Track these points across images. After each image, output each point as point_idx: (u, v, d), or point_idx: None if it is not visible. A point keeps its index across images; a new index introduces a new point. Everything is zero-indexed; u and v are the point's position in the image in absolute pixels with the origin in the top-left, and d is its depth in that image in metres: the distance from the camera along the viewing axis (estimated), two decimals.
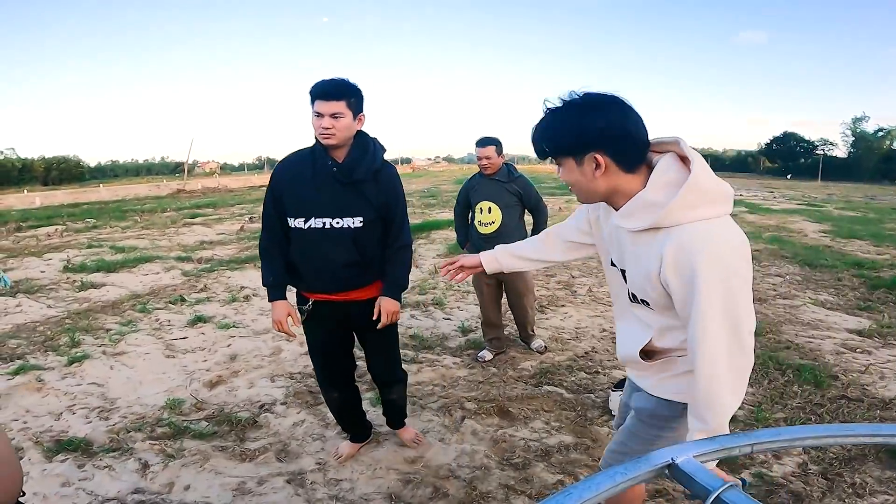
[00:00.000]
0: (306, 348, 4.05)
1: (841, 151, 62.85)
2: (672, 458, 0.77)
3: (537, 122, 1.32)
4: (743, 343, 1.26)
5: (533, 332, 4.06)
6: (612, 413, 3.04)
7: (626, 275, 1.44)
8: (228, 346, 4.15)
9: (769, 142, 73.45)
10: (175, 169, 61.52)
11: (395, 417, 2.79)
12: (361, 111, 2.13)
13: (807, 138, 69.56)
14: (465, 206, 3.88)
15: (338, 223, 2.16)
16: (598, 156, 1.26)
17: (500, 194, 3.66)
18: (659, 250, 1.27)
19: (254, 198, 20.54)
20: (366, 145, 2.19)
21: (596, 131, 1.25)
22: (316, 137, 2.12)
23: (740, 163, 76.09)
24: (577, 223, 1.69)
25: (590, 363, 3.81)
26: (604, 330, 4.49)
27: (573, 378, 3.56)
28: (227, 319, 4.76)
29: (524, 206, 3.77)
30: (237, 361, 3.85)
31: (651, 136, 1.32)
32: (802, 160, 64.42)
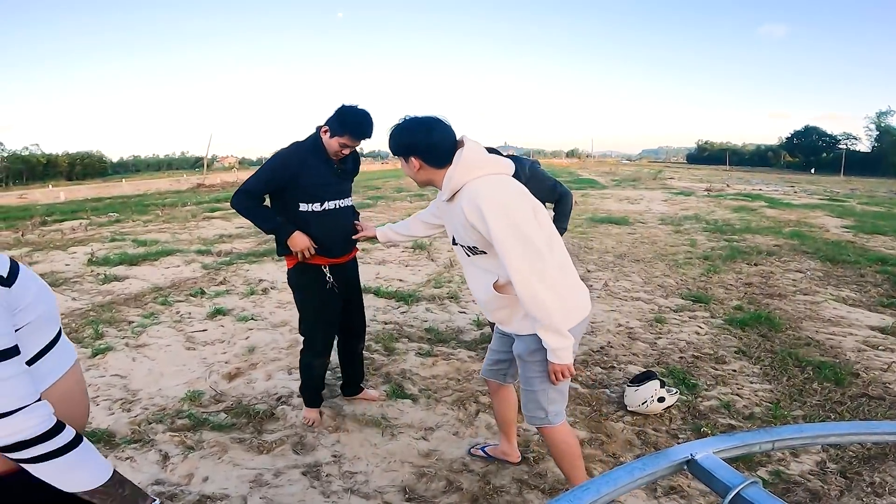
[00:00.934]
0: None
1: (864, 146, 61.68)
2: (691, 454, 0.77)
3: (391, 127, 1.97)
4: (538, 251, 1.77)
5: None
6: (628, 408, 3.02)
7: (456, 237, 1.99)
8: (247, 338, 4.19)
9: (790, 136, 72.22)
10: (195, 164, 62.09)
11: (359, 373, 3.22)
12: None
13: (829, 132, 68.37)
14: None
15: (343, 203, 2.75)
16: (413, 159, 1.92)
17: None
18: (459, 206, 1.85)
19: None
20: (356, 155, 2.87)
21: (406, 145, 1.93)
22: (326, 148, 2.65)
23: (760, 157, 74.90)
24: (431, 209, 2.38)
25: (605, 358, 3.80)
26: (619, 325, 4.46)
27: (588, 373, 3.55)
28: (246, 312, 4.80)
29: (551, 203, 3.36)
30: (255, 354, 3.88)
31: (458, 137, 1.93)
32: (824, 154, 63.30)
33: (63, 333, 1.14)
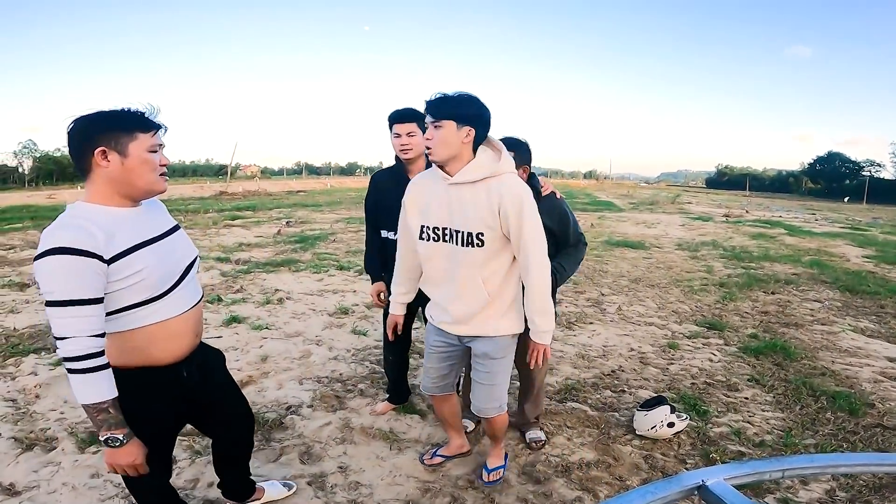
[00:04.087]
0: (335, 353, 4.13)
1: (889, 173, 60.87)
2: (702, 480, 0.77)
3: (442, 93, 1.96)
4: (546, 248, 2.05)
5: (537, 418, 3.01)
6: (637, 432, 2.99)
7: (458, 224, 2.02)
8: (260, 346, 4.22)
9: (812, 161, 71.47)
10: (219, 171, 62.55)
11: None
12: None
13: (853, 158, 67.54)
14: None
15: None
16: (468, 128, 1.94)
17: None
18: (498, 191, 1.95)
19: (291, 202, 20.81)
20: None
21: (473, 115, 1.95)
22: (401, 161, 2.73)
23: (781, 183, 74.20)
24: (408, 225, 2.22)
25: (616, 382, 3.76)
26: (632, 349, 4.42)
27: (598, 396, 3.52)
28: (261, 321, 4.83)
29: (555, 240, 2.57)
30: (267, 363, 3.91)
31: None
32: (847, 181, 62.51)
33: (170, 297, 1.60)
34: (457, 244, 2.04)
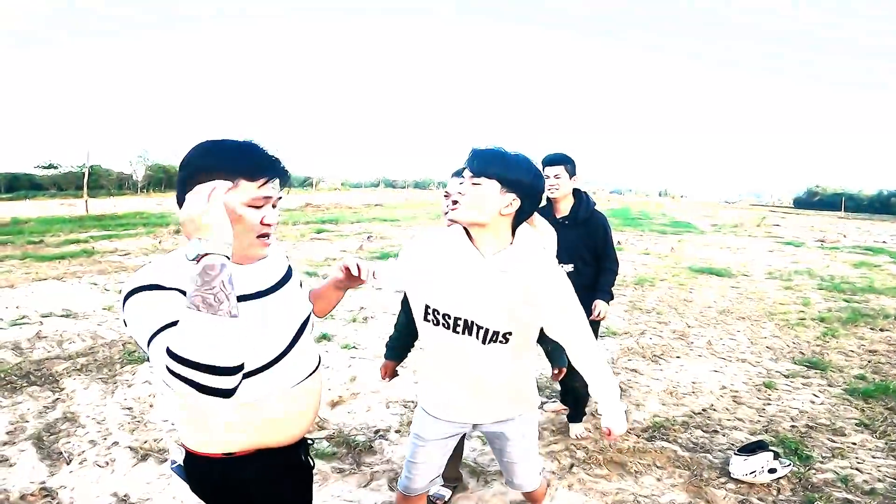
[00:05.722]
0: (420, 377, 4.19)
1: None
2: None
3: (498, 148, 1.58)
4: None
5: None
6: (732, 475, 2.87)
7: (483, 319, 1.63)
8: (349, 366, 4.37)
9: None
10: (304, 182, 65.27)
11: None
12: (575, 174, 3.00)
13: None
14: None
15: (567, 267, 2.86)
16: (514, 196, 1.56)
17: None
18: (538, 280, 1.62)
19: (370, 216, 21.38)
20: (581, 198, 3.04)
21: (533, 188, 1.58)
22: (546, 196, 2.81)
23: (881, 203, 68.66)
24: (410, 292, 1.80)
25: (708, 421, 3.63)
26: (723, 387, 4.24)
27: (688, 435, 3.41)
28: (348, 339, 5.01)
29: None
30: (356, 383, 4.04)
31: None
32: None
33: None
34: (477, 339, 1.67)
